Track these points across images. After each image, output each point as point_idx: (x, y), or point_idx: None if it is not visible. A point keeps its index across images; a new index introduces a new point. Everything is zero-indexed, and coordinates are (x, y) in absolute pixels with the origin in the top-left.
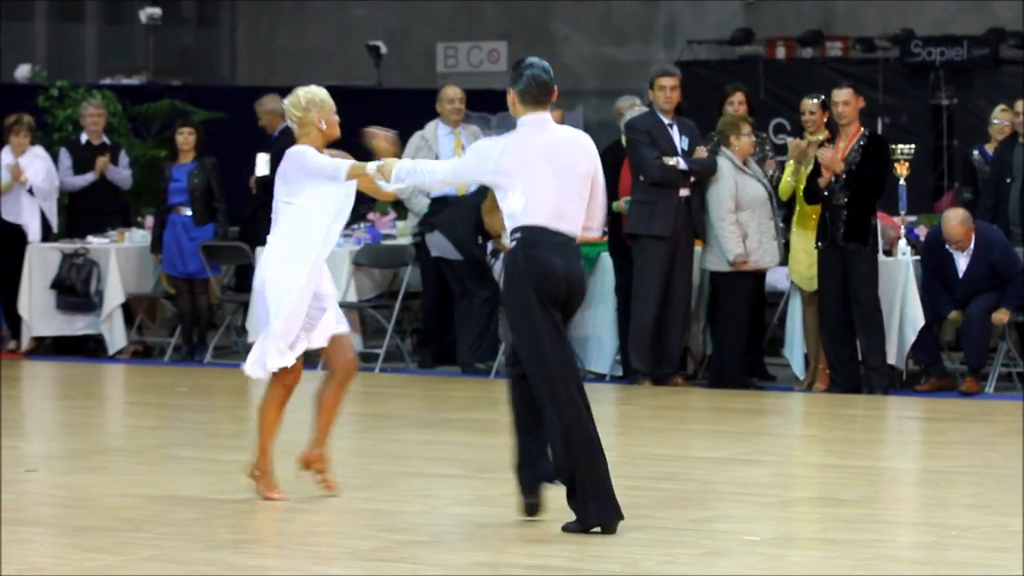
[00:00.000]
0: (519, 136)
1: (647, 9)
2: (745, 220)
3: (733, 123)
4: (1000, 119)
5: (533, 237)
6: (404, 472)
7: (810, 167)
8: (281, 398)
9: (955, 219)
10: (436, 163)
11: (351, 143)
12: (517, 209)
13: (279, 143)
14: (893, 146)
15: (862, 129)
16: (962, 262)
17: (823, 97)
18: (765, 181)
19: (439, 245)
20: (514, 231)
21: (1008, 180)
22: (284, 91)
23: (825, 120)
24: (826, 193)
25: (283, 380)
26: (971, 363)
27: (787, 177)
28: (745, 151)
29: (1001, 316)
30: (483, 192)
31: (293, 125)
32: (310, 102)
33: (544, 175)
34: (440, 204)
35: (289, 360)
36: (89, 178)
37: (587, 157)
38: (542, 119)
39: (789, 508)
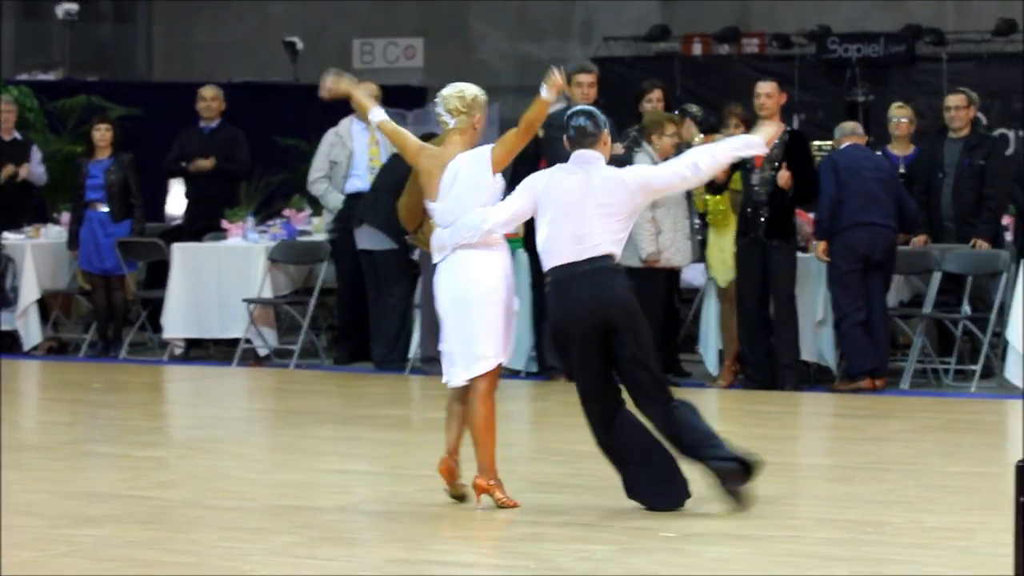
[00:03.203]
0: (558, 170)
1: (563, 6)
2: (660, 218)
3: (658, 122)
4: (896, 115)
5: (555, 277)
6: (319, 468)
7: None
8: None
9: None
10: (490, 211)
11: (267, 139)
12: (540, 243)
13: (218, 135)
14: (812, 143)
15: (783, 126)
16: None
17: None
18: None
19: (368, 237)
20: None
21: (940, 175)
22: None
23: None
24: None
25: None
26: (878, 367)
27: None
28: (666, 151)
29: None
30: (391, 178)
31: (449, 118)
32: (475, 102)
33: (570, 211)
34: (355, 199)
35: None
36: None
37: (625, 194)
38: (581, 157)
39: (704, 504)
